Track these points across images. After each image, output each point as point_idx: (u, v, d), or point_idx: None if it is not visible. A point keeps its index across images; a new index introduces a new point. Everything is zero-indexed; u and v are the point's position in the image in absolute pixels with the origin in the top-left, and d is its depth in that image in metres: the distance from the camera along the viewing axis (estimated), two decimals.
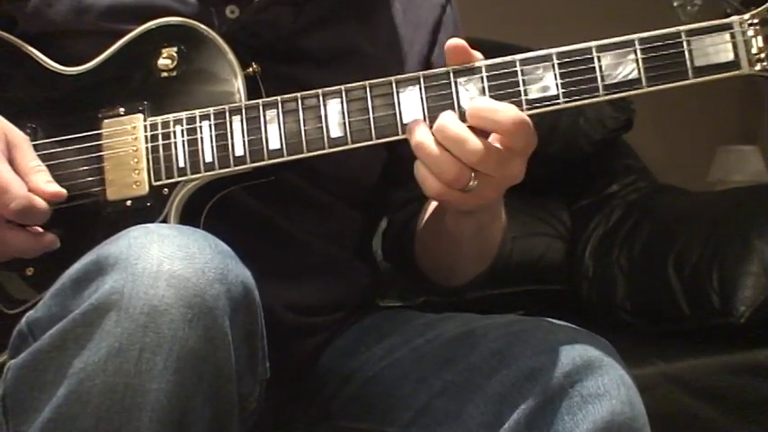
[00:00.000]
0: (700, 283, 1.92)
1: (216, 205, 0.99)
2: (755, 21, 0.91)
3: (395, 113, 0.93)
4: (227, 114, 0.96)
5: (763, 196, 2.11)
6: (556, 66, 0.92)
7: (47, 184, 0.94)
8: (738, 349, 1.83)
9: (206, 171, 0.95)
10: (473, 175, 0.90)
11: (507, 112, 0.89)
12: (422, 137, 0.91)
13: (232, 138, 0.95)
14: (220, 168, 0.95)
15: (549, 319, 1.00)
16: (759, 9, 0.91)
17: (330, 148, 0.95)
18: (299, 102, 0.95)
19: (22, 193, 0.91)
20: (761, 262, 1.87)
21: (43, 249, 0.94)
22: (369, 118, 0.93)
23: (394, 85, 0.94)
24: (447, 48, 0.93)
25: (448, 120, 0.90)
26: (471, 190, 0.91)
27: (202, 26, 0.99)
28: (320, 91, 0.94)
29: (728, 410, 1.78)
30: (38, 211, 0.92)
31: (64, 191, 0.95)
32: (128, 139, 0.97)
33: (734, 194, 2.29)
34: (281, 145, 0.95)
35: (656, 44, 0.91)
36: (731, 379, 1.80)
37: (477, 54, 0.93)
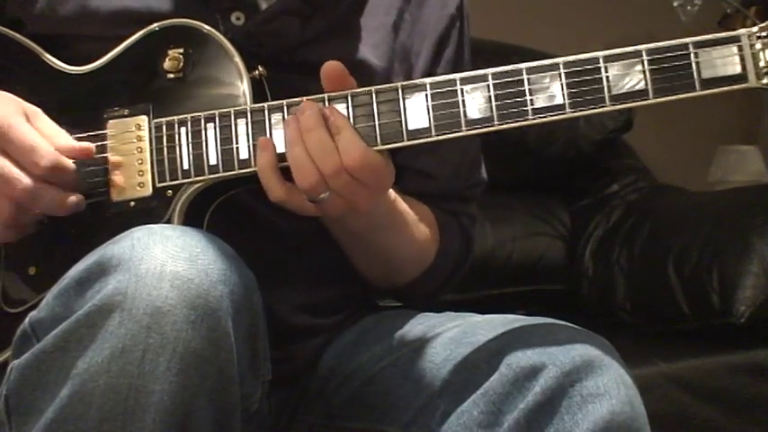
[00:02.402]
0: (700, 283, 1.91)
1: (219, 208, 0.99)
2: (764, 34, 0.90)
3: (400, 120, 0.93)
4: (233, 117, 0.95)
5: (763, 196, 2.11)
6: (563, 75, 0.91)
7: (71, 142, 0.94)
8: (738, 349, 1.83)
9: (210, 174, 0.95)
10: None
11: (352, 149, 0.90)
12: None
13: (237, 141, 0.95)
14: (224, 171, 0.95)
15: (549, 319, 1.00)
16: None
17: None
18: None
19: (50, 150, 0.91)
20: (761, 262, 1.86)
21: (72, 209, 0.94)
22: (374, 124, 0.93)
23: (400, 90, 0.93)
24: (322, 70, 0.93)
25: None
26: (322, 201, 0.92)
27: (208, 28, 0.99)
28: (326, 95, 0.94)
29: (728, 410, 1.78)
30: (66, 169, 0.92)
31: (92, 146, 0.95)
32: (132, 140, 0.98)
33: (734, 194, 2.28)
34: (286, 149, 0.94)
35: (663, 55, 0.90)
36: (731, 379, 1.80)
37: (351, 80, 0.94)
